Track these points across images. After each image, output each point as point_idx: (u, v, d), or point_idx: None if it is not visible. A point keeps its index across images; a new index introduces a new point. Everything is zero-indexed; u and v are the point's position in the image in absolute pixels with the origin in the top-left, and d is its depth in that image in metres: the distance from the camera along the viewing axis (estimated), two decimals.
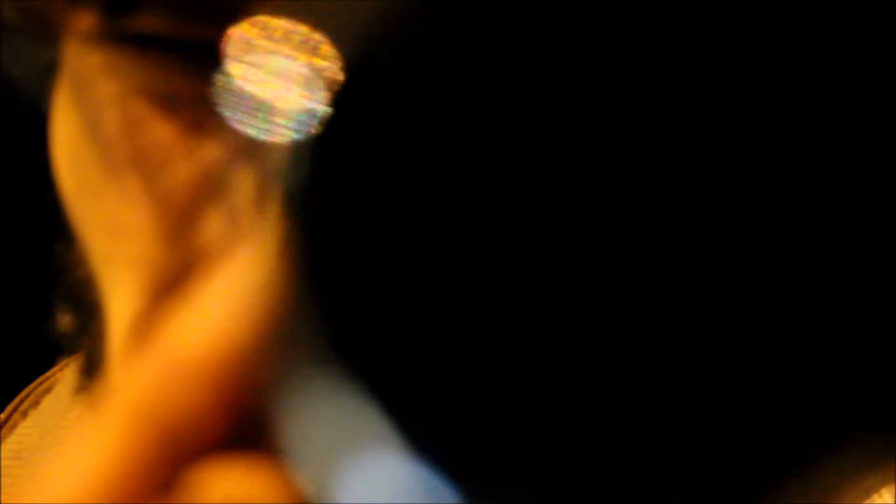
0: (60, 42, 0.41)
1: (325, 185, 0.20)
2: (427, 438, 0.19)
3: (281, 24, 0.20)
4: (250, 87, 0.22)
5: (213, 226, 0.40)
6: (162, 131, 0.40)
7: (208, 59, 0.38)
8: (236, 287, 0.28)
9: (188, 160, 0.40)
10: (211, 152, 0.39)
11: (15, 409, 0.65)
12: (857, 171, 0.18)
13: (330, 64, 0.20)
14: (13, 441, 0.62)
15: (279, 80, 0.21)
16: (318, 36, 0.20)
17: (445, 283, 0.20)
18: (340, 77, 0.20)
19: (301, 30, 0.20)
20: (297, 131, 0.21)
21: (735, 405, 0.19)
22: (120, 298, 0.42)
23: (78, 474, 0.29)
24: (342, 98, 0.20)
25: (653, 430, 0.19)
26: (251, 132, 0.22)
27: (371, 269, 0.20)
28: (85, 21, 0.39)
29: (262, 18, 0.21)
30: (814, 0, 0.17)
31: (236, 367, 0.28)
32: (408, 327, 0.19)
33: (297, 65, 0.21)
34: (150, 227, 0.40)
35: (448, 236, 0.19)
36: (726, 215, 0.17)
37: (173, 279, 0.40)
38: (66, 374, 0.64)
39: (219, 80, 0.23)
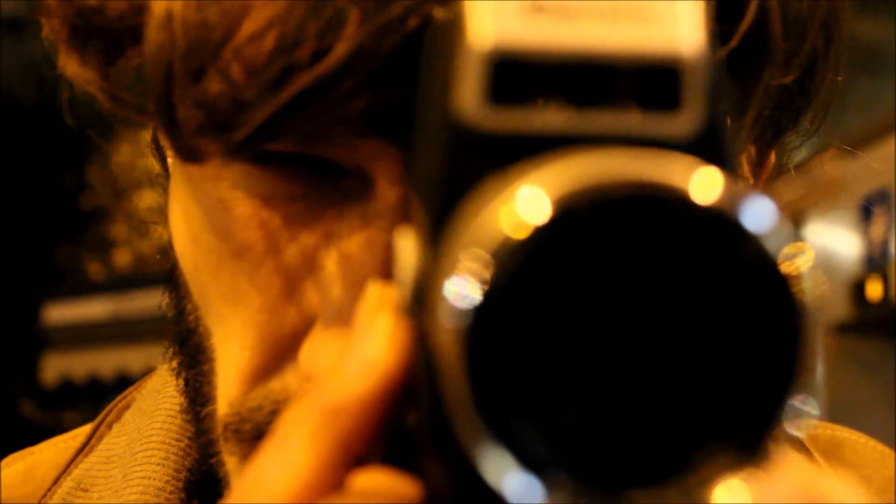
0: (206, 160, 0.50)
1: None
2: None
3: None
4: None
5: (310, 297, 0.51)
6: (277, 226, 0.51)
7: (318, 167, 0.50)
8: (381, 345, 0.39)
9: (295, 244, 0.51)
10: (309, 239, 0.51)
11: (101, 423, 0.74)
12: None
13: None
14: (103, 449, 0.72)
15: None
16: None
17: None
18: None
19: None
20: None
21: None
22: (232, 349, 0.54)
23: (280, 474, 0.39)
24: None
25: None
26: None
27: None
28: (220, 148, 0.48)
29: None
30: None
31: (385, 401, 0.39)
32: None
33: None
34: (262, 298, 0.52)
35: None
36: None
37: (285, 336, 0.52)
38: (141, 392, 0.73)
39: None
